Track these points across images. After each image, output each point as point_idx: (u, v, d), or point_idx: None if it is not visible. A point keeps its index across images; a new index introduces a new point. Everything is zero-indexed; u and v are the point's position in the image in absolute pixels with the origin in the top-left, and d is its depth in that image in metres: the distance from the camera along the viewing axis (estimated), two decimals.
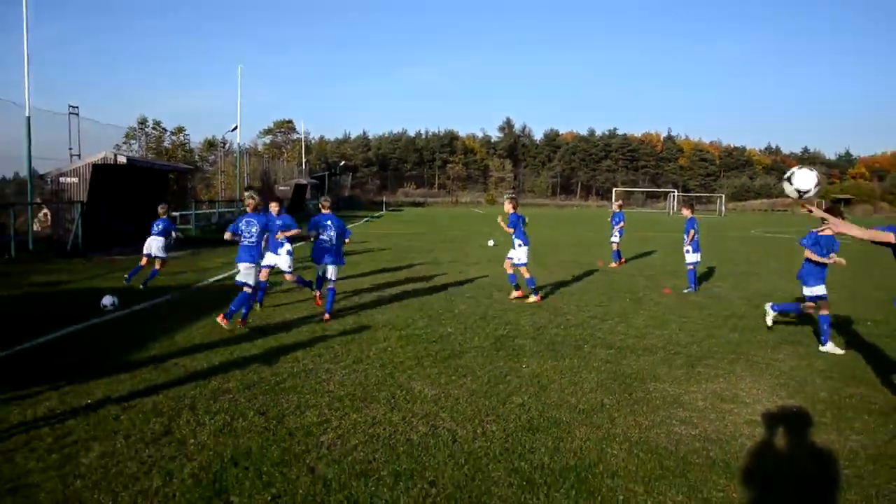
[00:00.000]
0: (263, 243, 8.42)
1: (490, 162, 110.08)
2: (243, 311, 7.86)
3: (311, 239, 8.76)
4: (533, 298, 10.01)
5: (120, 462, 3.94)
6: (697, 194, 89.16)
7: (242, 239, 7.97)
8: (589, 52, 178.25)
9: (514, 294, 10.25)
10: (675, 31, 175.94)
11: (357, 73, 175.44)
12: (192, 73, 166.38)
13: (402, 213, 59.71)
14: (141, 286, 10.59)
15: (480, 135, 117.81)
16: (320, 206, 9.03)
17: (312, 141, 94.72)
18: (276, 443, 4.30)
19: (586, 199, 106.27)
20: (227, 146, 44.28)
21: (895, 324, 8.61)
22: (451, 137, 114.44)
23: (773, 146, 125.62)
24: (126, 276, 11.04)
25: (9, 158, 18.29)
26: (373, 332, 7.67)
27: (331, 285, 8.56)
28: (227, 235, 8.09)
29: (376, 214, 51.87)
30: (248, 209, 8.25)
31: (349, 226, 9.56)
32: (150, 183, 20.45)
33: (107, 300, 8.89)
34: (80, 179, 16.91)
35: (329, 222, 8.58)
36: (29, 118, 16.28)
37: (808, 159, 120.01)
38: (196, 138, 52.65)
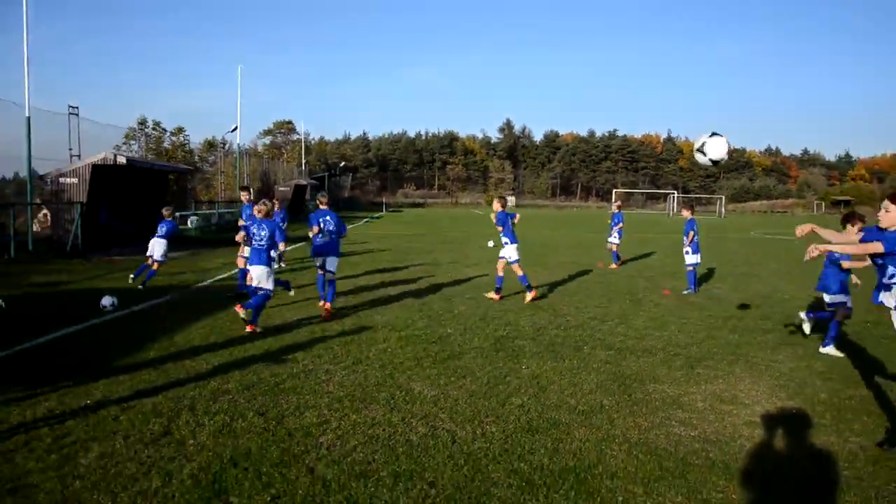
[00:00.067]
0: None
1: (490, 163, 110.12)
2: (253, 315, 7.67)
3: (311, 235, 9.01)
4: (528, 296, 10.04)
5: (119, 462, 3.94)
6: (697, 196, 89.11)
7: (252, 241, 8.04)
8: (589, 53, 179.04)
9: (492, 295, 10.30)
10: (675, 31, 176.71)
11: (357, 73, 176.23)
12: (192, 74, 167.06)
13: (401, 213, 59.75)
14: (140, 286, 10.66)
15: (480, 136, 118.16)
16: (318, 202, 9.34)
17: (312, 142, 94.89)
18: (276, 443, 4.29)
19: (586, 200, 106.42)
20: (226, 147, 44.29)
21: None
22: (451, 138, 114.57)
23: (773, 148, 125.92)
24: (132, 275, 11.28)
25: (9, 158, 18.35)
26: (372, 333, 7.67)
27: (331, 277, 8.84)
28: (239, 237, 8.68)
29: (376, 215, 51.91)
30: (259, 214, 8.33)
31: (349, 226, 9.62)
32: (149, 184, 20.47)
33: (106, 301, 8.90)
34: (79, 180, 16.87)
35: (328, 217, 8.93)
36: (29, 118, 16.29)
37: (807, 160, 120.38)
38: (196, 139, 52.89)
